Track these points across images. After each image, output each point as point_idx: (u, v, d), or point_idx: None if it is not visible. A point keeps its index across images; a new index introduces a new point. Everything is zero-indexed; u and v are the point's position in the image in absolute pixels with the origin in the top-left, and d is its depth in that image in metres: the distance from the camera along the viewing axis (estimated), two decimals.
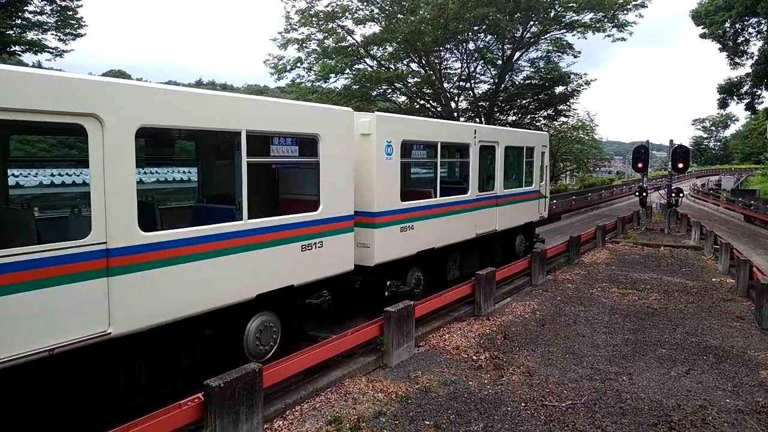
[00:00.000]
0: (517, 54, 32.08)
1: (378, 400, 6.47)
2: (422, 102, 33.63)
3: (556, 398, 6.72)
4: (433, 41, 29.33)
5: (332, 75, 30.99)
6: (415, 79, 32.15)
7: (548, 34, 31.16)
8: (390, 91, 33.24)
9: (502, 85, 32.70)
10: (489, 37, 30.86)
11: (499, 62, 32.15)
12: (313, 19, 28.98)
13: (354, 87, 31.46)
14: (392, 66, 31.97)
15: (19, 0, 12.95)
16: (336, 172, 8.21)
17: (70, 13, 14.40)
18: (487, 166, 13.26)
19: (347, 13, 29.33)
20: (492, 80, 33.27)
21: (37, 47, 13.97)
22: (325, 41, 30.19)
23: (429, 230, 10.34)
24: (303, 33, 29.84)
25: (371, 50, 31.17)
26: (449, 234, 11.01)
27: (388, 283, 9.53)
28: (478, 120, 32.07)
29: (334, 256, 8.21)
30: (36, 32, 13.82)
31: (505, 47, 31.79)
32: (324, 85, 31.71)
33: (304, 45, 30.17)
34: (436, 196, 10.68)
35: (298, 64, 30.80)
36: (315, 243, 7.82)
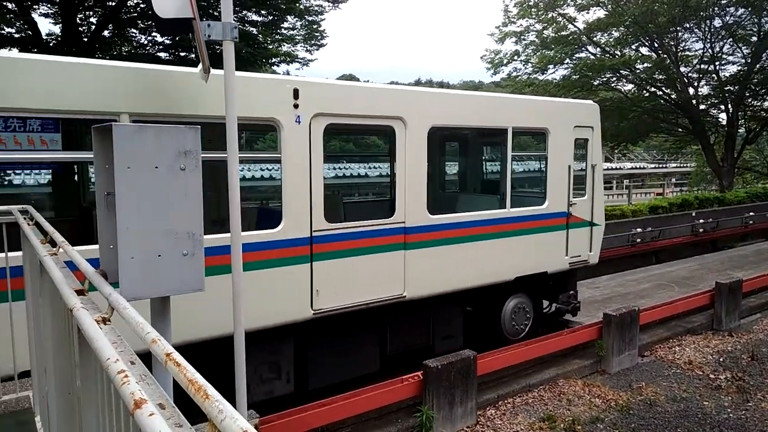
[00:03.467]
0: None
1: (595, 406, 6.17)
2: (653, 89, 30.44)
3: None
4: (669, 21, 26.26)
5: (550, 66, 29.88)
6: (645, 65, 29.21)
7: None
8: (614, 79, 30.77)
9: (757, 65, 27.82)
10: (741, 10, 26.49)
11: (754, 39, 27.41)
12: (533, 9, 28.28)
13: (574, 77, 29.89)
14: (618, 52, 29.53)
15: (277, 18, 15.28)
16: None
17: (315, 26, 16.47)
18: (375, 169, 8.09)
19: (569, 0, 27.94)
20: (743, 60, 28.55)
21: (290, 58, 16.33)
22: (544, 32, 29.24)
23: None
24: (521, 25, 29.33)
25: (594, 37, 29.22)
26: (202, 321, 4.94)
27: None
28: (723, 108, 27.84)
29: None
30: (288, 45, 16.17)
31: (763, 21, 26.98)
32: (541, 77, 30.77)
33: (522, 37, 29.65)
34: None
35: (515, 57, 30.38)
36: None
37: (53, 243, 2.60)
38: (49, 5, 12.90)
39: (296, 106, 5.61)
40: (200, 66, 4.72)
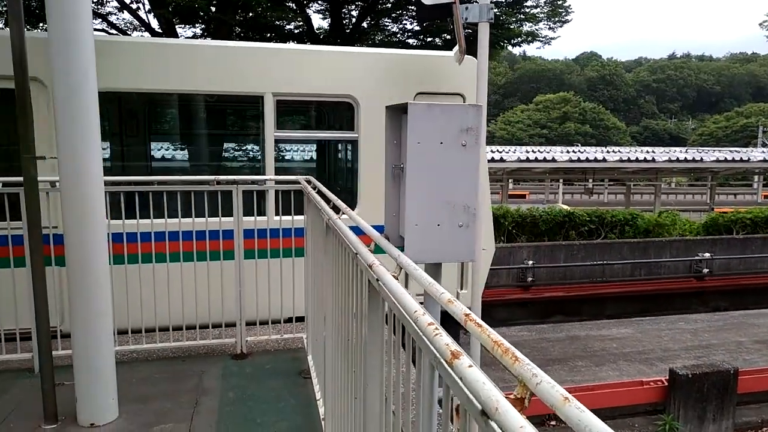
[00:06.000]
0: None
1: None
2: None
3: None
4: None
5: None
6: None
7: None
8: None
9: None
10: None
11: None
12: None
13: None
14: None
15: None
16: None
17: (560, 2, 15.71)
18: None
19: None
20: None
21: (532, 37, 15.89)
22: None
23: None
24: None
25: None
26: None
27: None
28: None
29: None
30: (530, 24, 15.73)
31: None
32: None
33: None
34: None
35: None
36: None
37: (337, 209, 3.00)
38: (320, 2, 14.74)
39: None
40: (456, 48, 4.93)
